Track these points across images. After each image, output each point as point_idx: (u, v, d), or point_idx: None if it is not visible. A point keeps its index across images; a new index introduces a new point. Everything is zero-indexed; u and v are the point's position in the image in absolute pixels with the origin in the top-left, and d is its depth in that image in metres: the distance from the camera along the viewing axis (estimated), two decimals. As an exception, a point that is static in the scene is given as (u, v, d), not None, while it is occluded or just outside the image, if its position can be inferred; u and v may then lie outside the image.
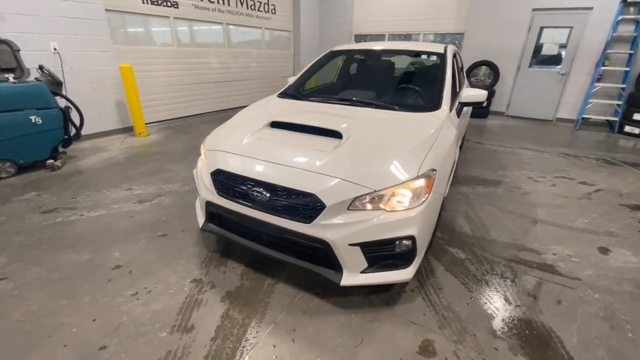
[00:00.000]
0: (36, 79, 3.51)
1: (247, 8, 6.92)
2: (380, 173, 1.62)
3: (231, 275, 1.97)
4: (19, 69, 3.47)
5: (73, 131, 3.84)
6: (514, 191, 3.28)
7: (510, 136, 5.42)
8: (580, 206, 2.98)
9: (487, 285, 1.94)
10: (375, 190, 1.55)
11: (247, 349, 1.49)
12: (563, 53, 6.29)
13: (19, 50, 3.47)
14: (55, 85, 3.63)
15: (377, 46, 3.20)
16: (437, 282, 1.96)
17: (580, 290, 1.91)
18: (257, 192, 1.69)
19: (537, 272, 2.06)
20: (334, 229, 1.55)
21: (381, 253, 1.63)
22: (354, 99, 2.47)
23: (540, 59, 6.52)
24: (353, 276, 1.63)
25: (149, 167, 3.67)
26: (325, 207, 1.54)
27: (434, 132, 1.94)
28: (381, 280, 1.65)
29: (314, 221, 1.56)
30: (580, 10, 5.92)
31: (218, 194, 1.87)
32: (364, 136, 1.87)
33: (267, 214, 1.69)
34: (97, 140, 4.64)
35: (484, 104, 2.65)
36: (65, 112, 3.61)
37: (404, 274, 1.67)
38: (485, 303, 1.80)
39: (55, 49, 4.03)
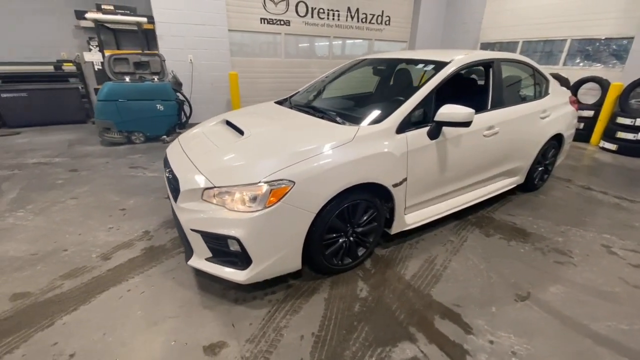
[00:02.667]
0: (169, 80, 5.12)
1: (358, 21, 7.29)
2: (229, 171, 1.72)
3: (166, 237, 2.46)
4: (162, 73, 5.15)
5: (184, 118, 5.34)
6: (548, 255, 2.32)
7: (660, 188, 3.57)
8: (645, 307, 1.85)
9: (348, 332, 1.64)
10: (215, 186, 1.68)
11: (114, 284, 1.94)
12: None
13: (164, 60, 5.15)
14: (177, 85, 5.17)
15: (388, 55, 2.97)
16: (301, 305, 1.81)
17: (463, 394, 1.35)
18: (168, 171, 2.10)
19: (432, 349, 1.56)
20: (185, 212, 1.77)
21: (218, 247, 1.72)
22: (308, 106, 2.51)
23: None
24: (198, 260, 1.80)
25: (214, 151, 4.68)
26: (179, 190, 1.79)
27: (325, 145, 1.80)
28: (217, 273, 1.74)
29: (177, 202, 1.83)
30: None
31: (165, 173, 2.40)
32: (259, 139, 1.97)
33: (172, 191, 2.07)
34: (207, 127, 6.18)
35: (469, 125, 2.04)
36: (180, 104, 5.10)
37: (237, 276, 1.70)
38: (320, 345, 1.56)
39: (190, 60, 5.68)
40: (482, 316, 1.76)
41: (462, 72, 2.89)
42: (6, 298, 1.82)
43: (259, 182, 1.62)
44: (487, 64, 2.59)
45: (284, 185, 1.63)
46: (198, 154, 1.96)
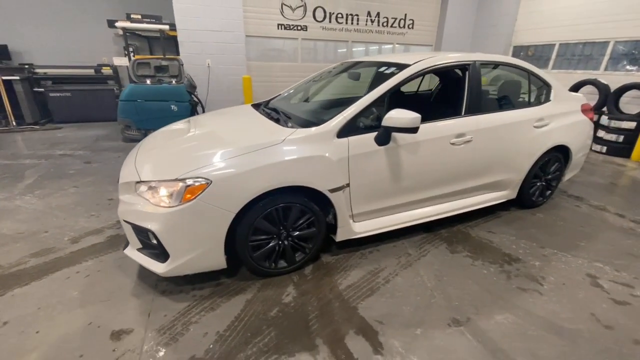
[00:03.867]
0: (183, 83, 5.48)
1: (379, 25, 7.16)
2: (156, 167, 1.81)
3: (134, 227, 2.63)
4: (179, 76, 5.53)
5: (197, 118, 5.67)
6: (514, 280, 2.07)
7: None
8: (604, 350, 1.56)
9: (253, 335, 1.62)
10: (141, 180, 1.76)
11: (68, 265, 2.12)
12: None
13: (182, 65, 5.52)
14: (191, 87, 5.50)
15: (362, 59, 2.88)
16: (221, 304, 1.82)
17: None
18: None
19: (329, 363, 1.47)
20: (121, 204, 1.89)
21: (144, 239, 1.81)
22: (271, 109, 2.54)
23: None
24: (132, 250, 1.91)
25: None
26: (118, 182, 1.91)
27: (252, 147, 1.80)
28: (144, 263, 1.83)
29: (119, 193, 1.96)
30: None
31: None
32: (195, 138, 2.06)
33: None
34: (222, 128, 6.49)
35: (415, 131, 1.88)
36: (193, 105, 5.43)
37: (158, 268, 1.77)
38: (218, 344, 1.56)
39: (208, 64, 6.01)
40: (402, 337, 1.62)
41: (443, 75, 2.74)
42: (-20, 269, 2.09)
43: (175, 178, 1.68)
44: (463, 67, 2.40)
45: (199, 183, 1.66)
46: (145, 150, 2.09)
